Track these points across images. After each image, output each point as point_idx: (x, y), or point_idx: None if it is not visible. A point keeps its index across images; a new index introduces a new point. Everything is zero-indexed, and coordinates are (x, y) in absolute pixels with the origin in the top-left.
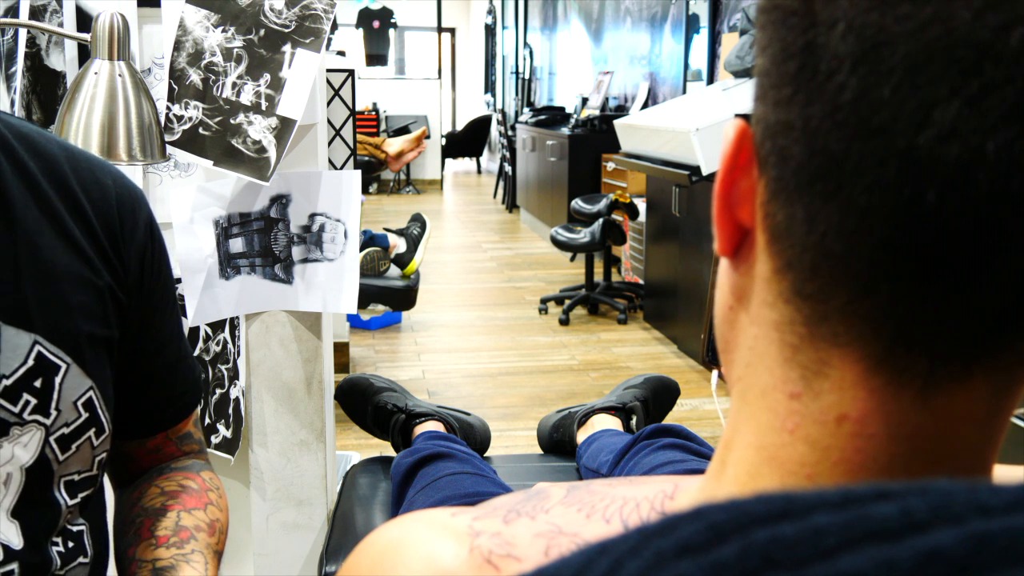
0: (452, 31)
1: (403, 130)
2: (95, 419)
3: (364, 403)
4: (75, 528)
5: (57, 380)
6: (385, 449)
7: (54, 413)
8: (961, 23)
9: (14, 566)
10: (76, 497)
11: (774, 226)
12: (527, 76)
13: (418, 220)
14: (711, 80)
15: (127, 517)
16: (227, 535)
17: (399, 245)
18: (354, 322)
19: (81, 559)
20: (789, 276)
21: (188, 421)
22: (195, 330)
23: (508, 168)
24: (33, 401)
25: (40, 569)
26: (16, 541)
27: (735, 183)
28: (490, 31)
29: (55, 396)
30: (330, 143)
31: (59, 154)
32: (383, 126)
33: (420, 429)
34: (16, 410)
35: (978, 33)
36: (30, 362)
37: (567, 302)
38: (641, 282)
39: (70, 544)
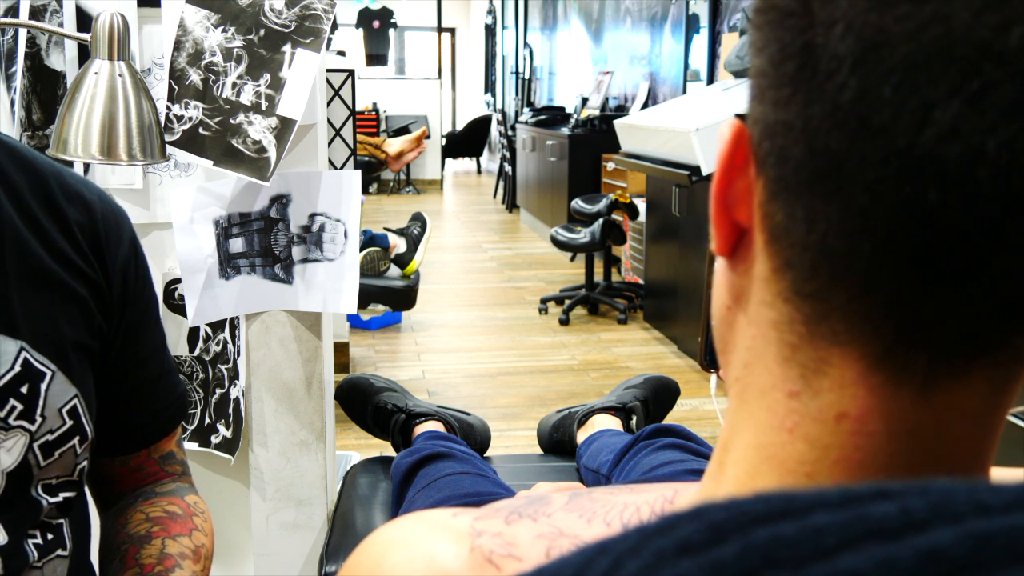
0: (452, 31)
1: (403, 130)
2: (79, 427)
3: (364, 403)
4: (54, 521)
5: (43, 387)
6: (385, 449)
7: (39, 420)
8: (960, 23)
9: None
10: (57, 496)
11: (773, 226)
12: (527, 76)
13: (418, 220)
14: (711, 80)
15: (112, 543)
16: (212, 560)
17: (399, 245)
18: (354, 322)
19: (59, 552)
20: (788, 275)
21: (171, 439)
22: (195, 330)
23: (508, 168)
24: (19, 407)
25: (22, 562)
26: (1, 538)
27: (732, 183)
28: (490, 31)
29: (40, 403)
30: (330, 143)
31: (47, 170)
32: (383, 126)
33: (420, 429)
34: (2, 415)
35: (977, 32)
36: (16, 368)
37: (567, 302)
38: (641, 282)
39: (49, 536)
